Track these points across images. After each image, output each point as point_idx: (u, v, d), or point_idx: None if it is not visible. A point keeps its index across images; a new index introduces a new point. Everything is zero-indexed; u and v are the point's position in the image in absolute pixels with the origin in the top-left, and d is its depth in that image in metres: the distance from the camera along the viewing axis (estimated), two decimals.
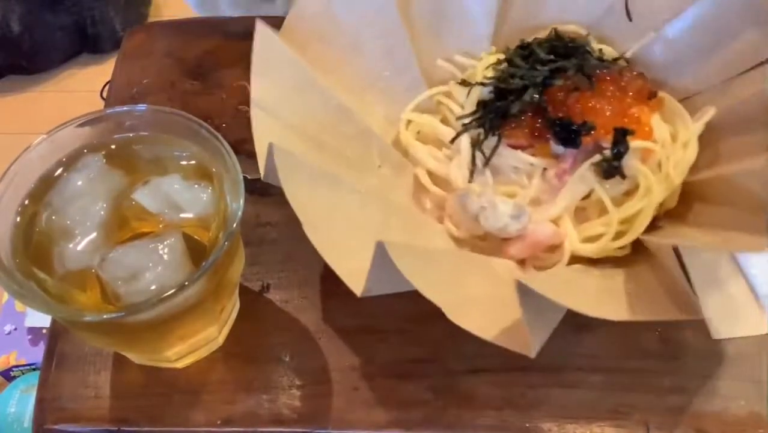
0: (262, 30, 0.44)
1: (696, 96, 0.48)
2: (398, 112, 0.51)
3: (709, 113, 0.47)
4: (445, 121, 0.50)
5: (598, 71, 0.46)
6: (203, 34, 0.61)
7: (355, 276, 0.36)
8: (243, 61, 0.58)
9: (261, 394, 0.42)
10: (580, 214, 0.45)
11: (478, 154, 0.46)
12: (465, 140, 0.47)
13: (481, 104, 0.47)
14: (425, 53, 0.51)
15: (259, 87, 0.42)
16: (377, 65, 0.50)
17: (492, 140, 0.46)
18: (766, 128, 0.42)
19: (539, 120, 0.45)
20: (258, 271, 0.47)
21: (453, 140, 0.47)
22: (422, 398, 0.42)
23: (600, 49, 0.49)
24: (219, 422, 0.42)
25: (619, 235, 0.44)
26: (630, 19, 0.51)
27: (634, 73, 0.47)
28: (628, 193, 0.45)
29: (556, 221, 0.45)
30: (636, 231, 0.43)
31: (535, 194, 0.45)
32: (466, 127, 0.47)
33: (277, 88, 0.44)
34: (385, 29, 0.49)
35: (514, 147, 0.46)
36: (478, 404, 0.42)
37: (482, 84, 0.48)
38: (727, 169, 0.43)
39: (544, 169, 0.45)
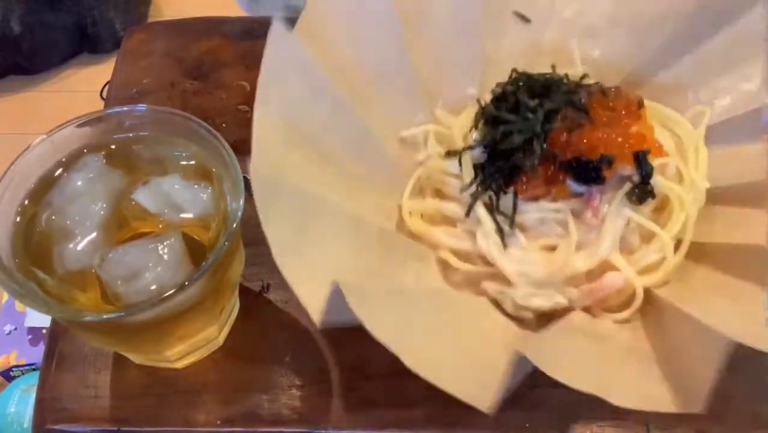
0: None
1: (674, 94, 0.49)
2: (386, 201, 0.49)
3: (705, 116, 0.46)
4: (442, 195, 0.48)
5: (584, 100, 0.44)
6: (203, 34, 0.61)
7: (481, 394, 0.35)
8: (243, 61, 0.58)
9: (261, 394, 0.42)
10: (621, 243, 0.44)
11: (500, 218, 0.44)
12: (480, 209, 0.44)
13: (479, 167, 0.46)
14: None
15: (272, 234, 0.38)
16: (348, 171, 0.47)
17: (506, 199, 0.44)
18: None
19: (550, 166, 0.43)
20: (258, 271, 0.47)
21: (468, 213, 0.45)
22: (422, 398, 0.42)
23: (566, 75, 0.48)
24: (219, 422, 0.42)
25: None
26: (528, 21, 0.52)
27: (610, 88, 0.46)
28: (656, 210, 0.45)
29: (607, 262, 0.43)
30: (687, 244, 0.43)
31: (577, 239, 0.43)
32: (475, 197, 0.45)
33: (288, 221, 0.41)
34: (347, 137, 0.47)
35: (531, 199, 0.44)
36: None
37: (470, 147, 0.46)
38: (728, 237, 0.43)
39: (570, 210, 0.44)
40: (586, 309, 0.43)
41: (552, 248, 0.44)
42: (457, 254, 0.46)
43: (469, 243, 0.45)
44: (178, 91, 0.57)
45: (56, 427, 0.42)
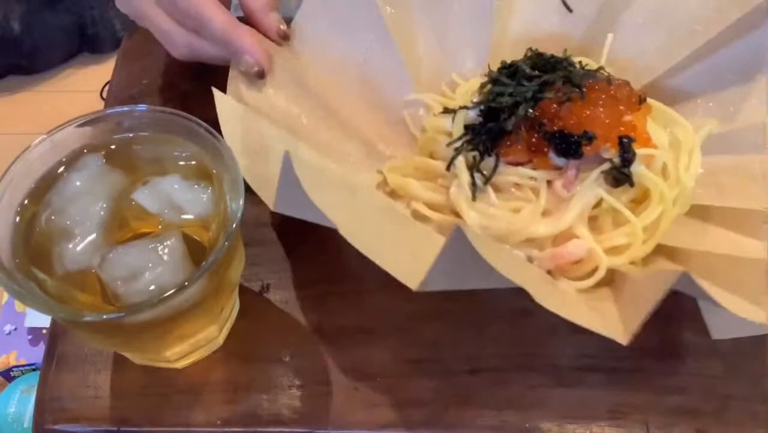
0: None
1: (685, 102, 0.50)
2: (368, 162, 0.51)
3: (710, 125, 0.47)
4: (434, 155, 0.50)
5: (585, 81, 0.45)
6: None
7: (407, 273, 0.35)
8: None
9: (261, 394, 0.42)
10: (592, 223, 0.45)
11: (477, 176, 0.45)
12: (461, 163, 0.46)
13: (470, 128, 0.47)
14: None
15: (240, 151, 0.41)
16: (336, 137, 0.50)
17: (489, 161, 0.45)
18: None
19: (535, 134, 0.44)
20: (258, 271, 0.47)
21: (448, 167, 0.46)
22: (422, 398, 0.42)
23: (580, 62, 0.49)
24: (219, 422, 0.42)
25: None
26: (570, 11, 0.53)
27: (618, 80, 0.46)
28: (635, 201, 0.45)
29: (571, 231, 0.44)
30: (657, 238, 0.44)
31: (545, 206, 0.44)
32: (458, 151, 0.46)
33: (268, 172, 0.42)
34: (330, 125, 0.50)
35: (513, 164, 0.45)
36: (478, 404, 0.42)
37: (466, 108, 0.47)
38: (725, 247, 0.43)
39: (548, 181, 0.45)
40: (548, 273, 0.44)
41: (518, 211, 0.45)
42: (431, 206, 0.48)
43: (443, 197, 0.47)
44: (177, 91, 0.57)
45: (56, 427, 0.42)
